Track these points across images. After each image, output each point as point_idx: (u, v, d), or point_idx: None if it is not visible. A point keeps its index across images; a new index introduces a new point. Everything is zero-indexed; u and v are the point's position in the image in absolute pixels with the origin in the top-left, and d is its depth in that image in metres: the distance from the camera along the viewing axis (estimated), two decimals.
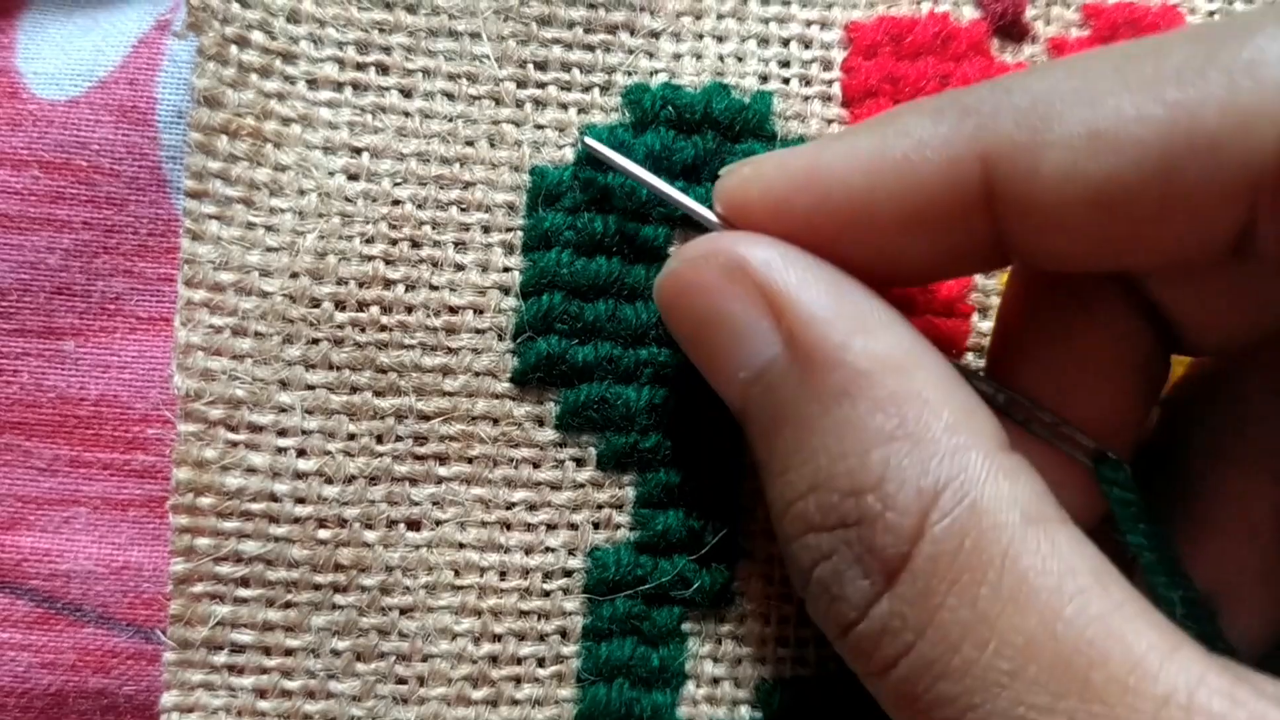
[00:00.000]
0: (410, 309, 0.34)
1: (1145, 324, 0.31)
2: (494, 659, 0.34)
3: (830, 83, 0.36)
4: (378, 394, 0.34)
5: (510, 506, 0.34)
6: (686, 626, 0.35)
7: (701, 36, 0.36)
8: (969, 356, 0.36)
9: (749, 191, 0.30)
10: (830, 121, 0.36)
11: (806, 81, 0.36)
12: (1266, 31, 0.24)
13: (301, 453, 0.34)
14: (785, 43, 0.37)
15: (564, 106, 0.36)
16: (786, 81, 0.36)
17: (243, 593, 0.33)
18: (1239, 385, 0.33)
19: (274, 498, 0.33)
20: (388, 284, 0.34)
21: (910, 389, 0.27)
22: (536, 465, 0.35)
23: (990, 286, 0.36)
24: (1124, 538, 0.30)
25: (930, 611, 0.25)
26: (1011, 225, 0.28)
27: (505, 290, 0.35)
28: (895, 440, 0.26)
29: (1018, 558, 0.25)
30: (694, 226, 0.34)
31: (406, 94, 0.35)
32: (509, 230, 0.35)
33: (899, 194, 0.28)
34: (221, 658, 0.33)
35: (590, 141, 0.34)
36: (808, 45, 0.37)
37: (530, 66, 0.35)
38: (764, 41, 0.36)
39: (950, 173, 0.27)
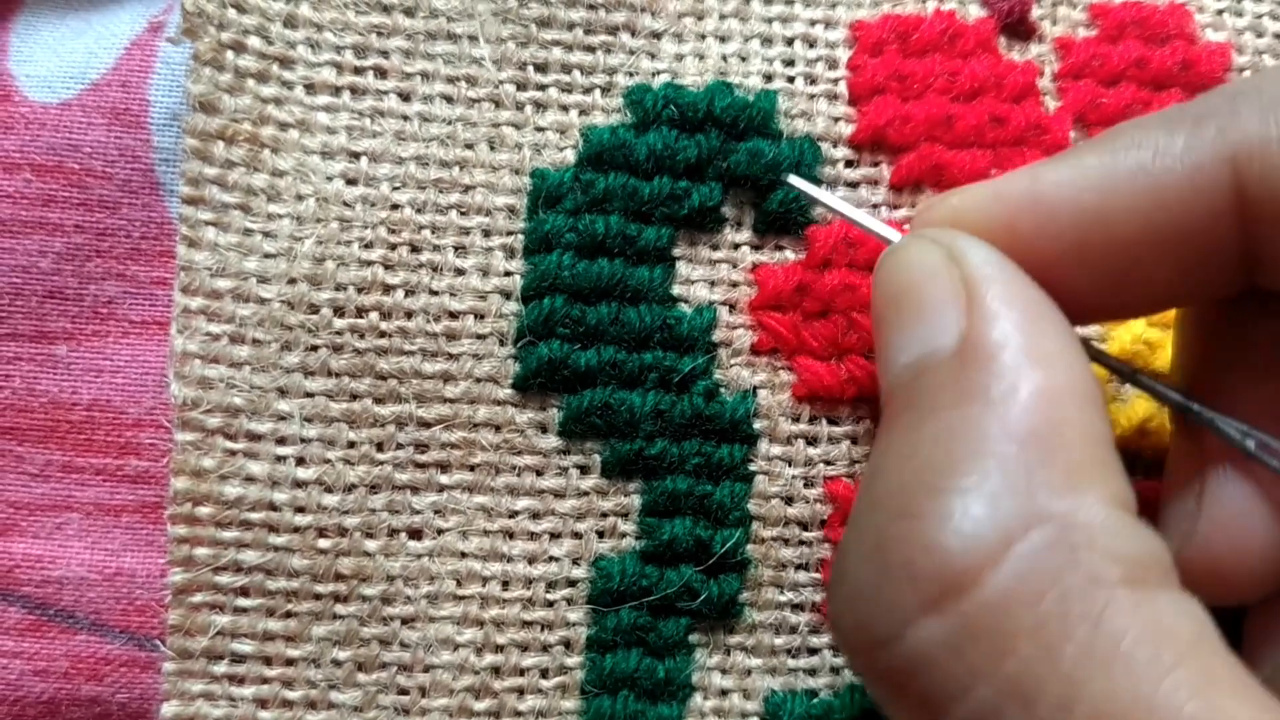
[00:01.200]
0: (410, 314, 0.34)
1: None
2: (497, 670, 0.34)
3: (836, 81, 0.36)
4: (378, 401, 0.34)
5: (513, 515, 0.34)
6: (694, 638, 0.35)
7: (704, 37, 0.36)
8: None
9: (964, 221, 0.29)
10: (837, 119, 0.36)
11: (812, 80, 0.36)
12: None
13: (301, 461, 0.34)
14: (789, 42, 0.37)
15: (565, 108, 0.36)
16: (791, 80, 0.36)
17: (243, 602, 0.34)
18: None
19: (273, 507, 0.33)
20: (387, 289, 0.34)
21: (1052, 418, 0.25)
22: (539, 473, 0.35)
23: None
24: None
25: (997, 656, 0.23)
26: (1267, 230, 0.26)
27: (506, 294, 0.35)
28: (1009, 457, 0.24)
29: (1113, 619, 0.22)
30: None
31: (405, 97, 0.35)
32: (509, 234, 0.35)
33: (1140, 209, 0.27)
34: (222, 668, 0.34)
35: (793, 180, 0.35)
36: (812, 44, 0.37)
37: (530, 68, 0.36)
38: (767, 41, 0.36)
39: (1195, 180, 0.26)
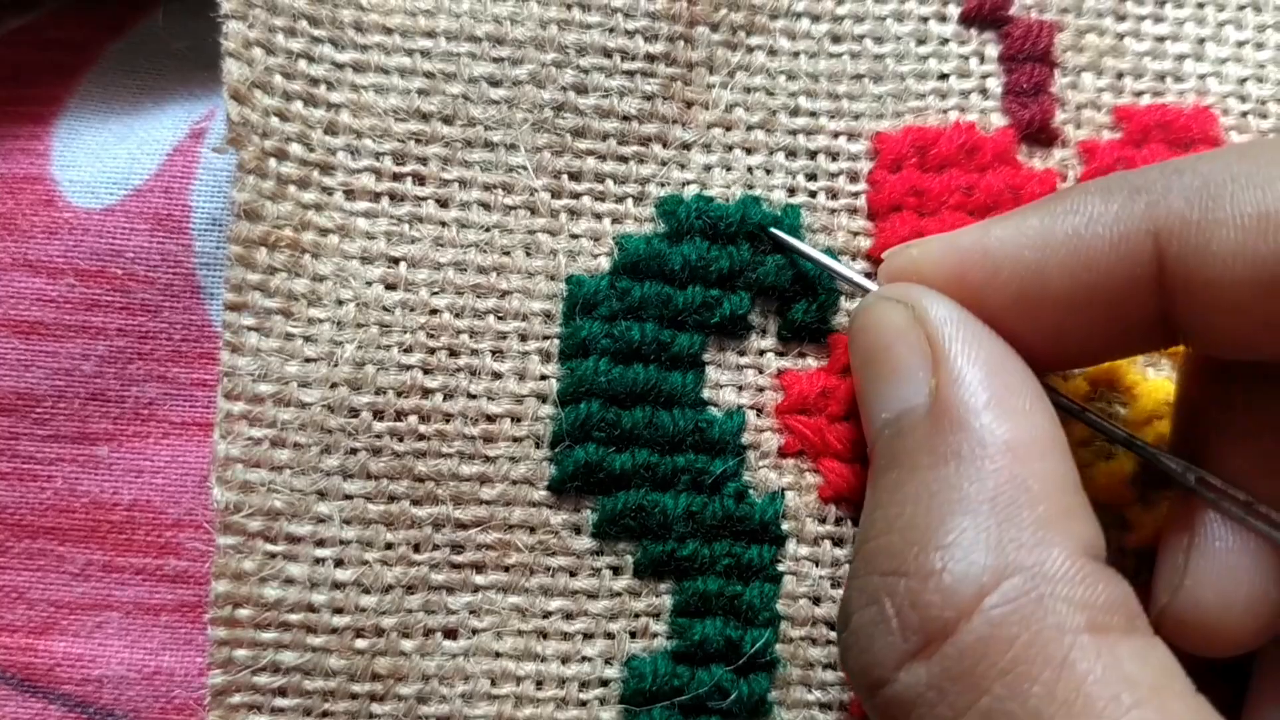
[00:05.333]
0: (448, 418, 0.36)
1: None
2: None
3: (856, 195, 0.39)
4: (415, 503, 0.36)
5: (547, 615, 0.36)
6: None
7: (731, 148, 0.39)
8: None
9: (920, 270, 0.32)
10: (855, 234, 0.38)
11: (833, 194, 0.39)
12: None
13: (339, 563, 0.35)
14: (812, 155, 0.39)
15: (598, 216, 0.38)
16: (813, 194, 0.39)
17: (280, 702, 0.35)
18: None
19: (312, 608, 0.35)
20: (426, 393, 0.36)
21: (1019, 474, 0.28)
22: (573, 574, 0.36)
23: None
24: None
25: (974, 694, 0.26)
26: (1181, 303, 0.29)
27: (542, 398, 0.36)
28: (982, 514, 0.28)
29: (1075, 663, 0.26)
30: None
31: (443, 204, 0.37)
32: (546, 338, 0.37)
33: (1070, 269, 0.30)
34: None
35: (775, 232, 0.37)
36: (835, 157, 0.39)
37: (565, 177, 0.38)
38: (792, 154, 0.39)
39: (1121, 248, 0.29)
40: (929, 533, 0.28)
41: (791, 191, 0.39)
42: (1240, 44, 0.41)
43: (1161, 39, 0.41)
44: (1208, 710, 0.26)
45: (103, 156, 0.38)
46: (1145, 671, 0.26)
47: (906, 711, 0.27)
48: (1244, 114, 0.41)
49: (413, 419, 0.36)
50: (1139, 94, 0.41)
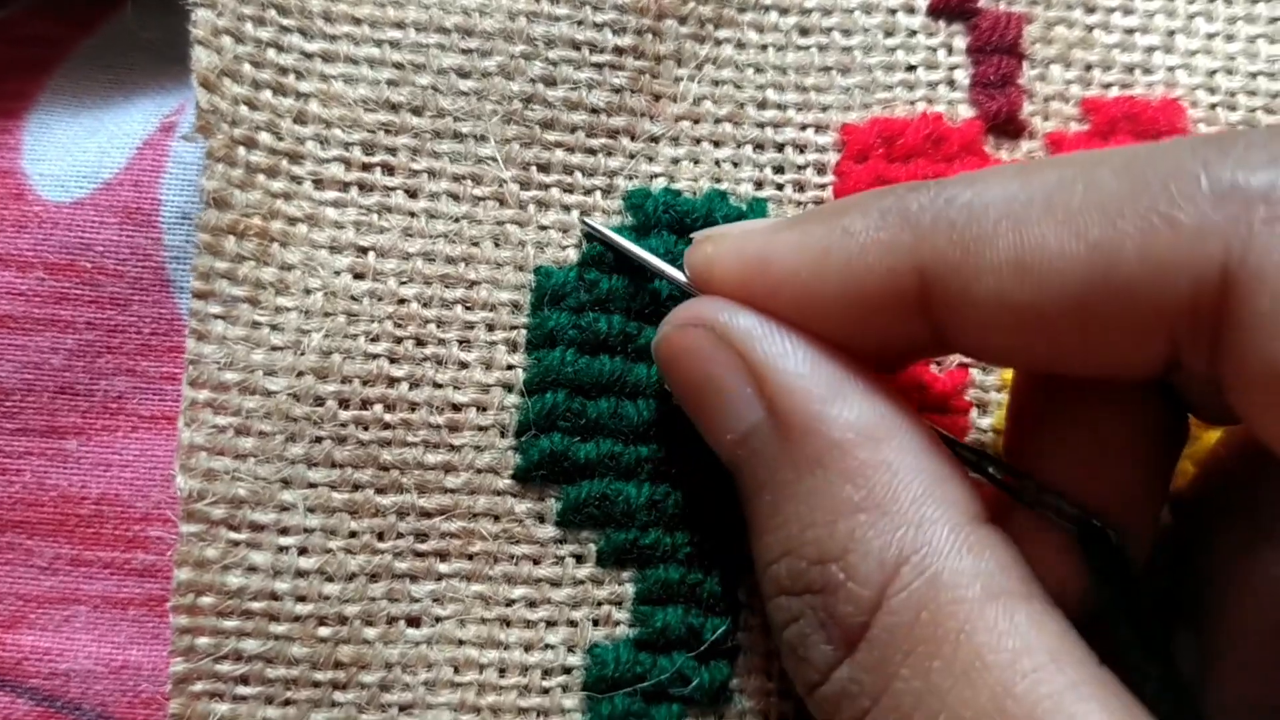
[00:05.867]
0: (414, 407, 0.36)
1: (1156, 394, 0.31)
2: None
3: (823, 186, 0.39)
4: (379, 491, 0.36)
5: (510, 603, 0.36)
6: None
7: (699, 141, 0.39)
8: None
9: (713, 274, 0.33)
10: None
11: (800, 187, 0.39)
12: (1186, 170, 0.26)
13: (303, 551, 0.35)
14: (780, 147, 0.39)
15: (566, 208, 0.38)
16: (780, 187, 0.39)
17: (242, 690, 0.35)
18: (1255, 489, 0.33)
19: (275, 596, 0.35)
20: (392, 382, 0.36)
21: (880, 458, 0.29)
22: (537, 562, 0.36)
23: (989, 383, 0.38)
24: (1103, 608, 0.31)
25: (885, 680, 0.27)
26: (949, 330, 0.30)
27: (508, 388, 0.37)
28: (861, 511, 0.29)
29: (973, 633, 0.27)
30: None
31: (412, 194, 0.37)
32: (513, 329, 0.37)
33: (842, 292, 0.30)
34: None
35: (589, 221, 0.37)
36: (802, 149, 0.39)
37: (533, 169, 0.38)
38: (759, 146, 0.39)
39: (889, 278, 0.29)
40: (821, 547, 0.29)
41: (759, 184, 0.39)
42: (1210, 36, 0.41)
43: (1131, 31, 0.41)
44: (1109, 678, 0.26)
45: (73, 150, 0.39)
46: (1043, 638, 0.27)
47: (836, 705, 0.29)
48: (1213, 106, 0.41)
49: (378, 408, 0.36)
50: (1107, 86, 0.41)
